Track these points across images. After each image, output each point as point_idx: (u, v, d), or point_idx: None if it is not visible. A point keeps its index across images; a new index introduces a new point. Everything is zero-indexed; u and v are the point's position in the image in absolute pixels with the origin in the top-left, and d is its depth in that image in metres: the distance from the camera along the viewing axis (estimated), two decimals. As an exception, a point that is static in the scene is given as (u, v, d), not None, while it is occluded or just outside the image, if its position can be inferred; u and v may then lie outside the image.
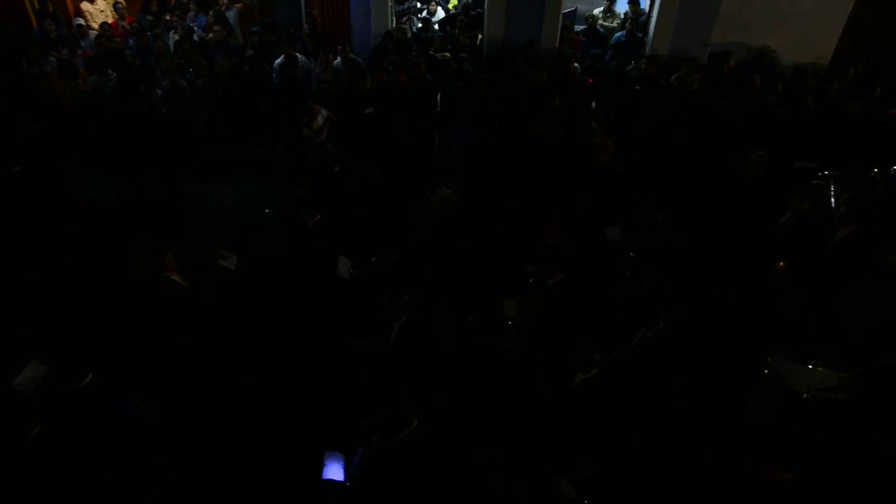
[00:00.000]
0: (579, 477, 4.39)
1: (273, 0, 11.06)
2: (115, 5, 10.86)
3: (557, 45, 10.19)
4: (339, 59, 9.41)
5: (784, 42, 10.26)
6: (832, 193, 6.73)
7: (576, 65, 9.43)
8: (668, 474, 5.14)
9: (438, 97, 9.12)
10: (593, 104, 8.20)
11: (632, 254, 6.07)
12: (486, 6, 10.27)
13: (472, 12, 11.10)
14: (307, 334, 6.31)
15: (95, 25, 10.69)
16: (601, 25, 11.14)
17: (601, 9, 11.43)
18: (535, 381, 4.96)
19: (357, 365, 5.48)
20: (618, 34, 10.54)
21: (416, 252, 6.56)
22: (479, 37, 10.62)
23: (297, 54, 9.37)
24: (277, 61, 9.29)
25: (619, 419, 5.23)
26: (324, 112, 8.06)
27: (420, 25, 11.13)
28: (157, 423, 4.74)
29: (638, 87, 8.84)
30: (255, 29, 10.14)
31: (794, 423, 4.44)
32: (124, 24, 10.70)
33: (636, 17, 10.79)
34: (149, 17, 11.00)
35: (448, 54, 9.70)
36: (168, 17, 11.10)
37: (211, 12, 10.94)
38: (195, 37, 10.39)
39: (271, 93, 9.09)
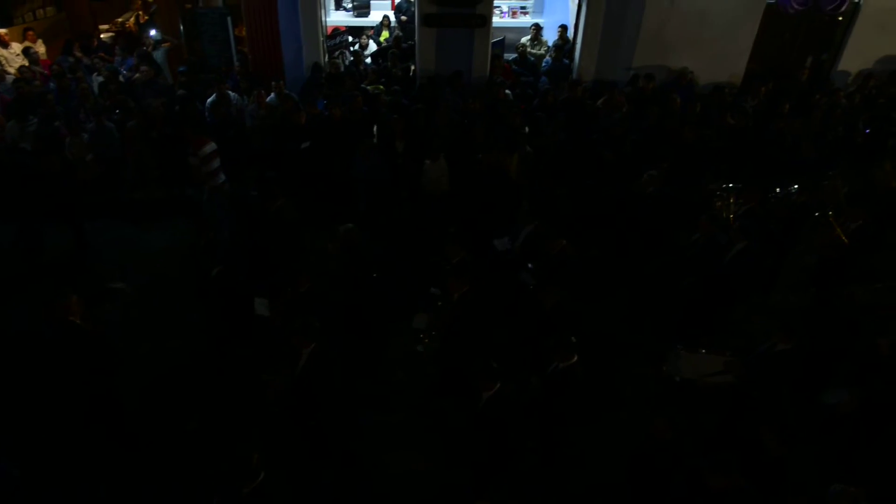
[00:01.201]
0: None
1: (201, 38, 10.93)
2: (25, 50, 10.46)
3: (489, 73, 10.48)
4: (272, 95, 9.37)
5: (700, 63, 10.89)
6: (732, 204, 7.08)
7: (507, 91, 9.71)
8: (590, 498, 5.19)
9: (374, 129, 9.18)
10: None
11: (530, 265, 6.21)
12: (416, 38, 10.48)
13: (404, 44, 11.28)
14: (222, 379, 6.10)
15: (12, 70, 10.28)
16: (530, 53, 11.52)
17: (529, 37, 11.83)
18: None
19: (266, 400, 5.36)
20: (545, 60, 10.94)
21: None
22: (412, 68, 10.80)
23: (230, 92, 9.28)
24: (210, 99, 9.16)
25: (536, 442, 5.29)
26: (213, 144, 7.82)
27: (352, 59, 11.21)
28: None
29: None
30: (182, 69, 9.99)
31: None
32: (39, 68, 10.31)
33: (563, 44, 11.23)
34: (70, 59, 10.67)
35: (381, 87, 9.81)
36: (91, 60, 10.79)
37: (136, 52, 10.71)
38: (121, 77, 10.14)
39: (205, 132, 8.92)
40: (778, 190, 7.31)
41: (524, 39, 11.76)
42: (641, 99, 9.79)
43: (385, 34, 12.45)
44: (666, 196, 7.28)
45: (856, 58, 11.32)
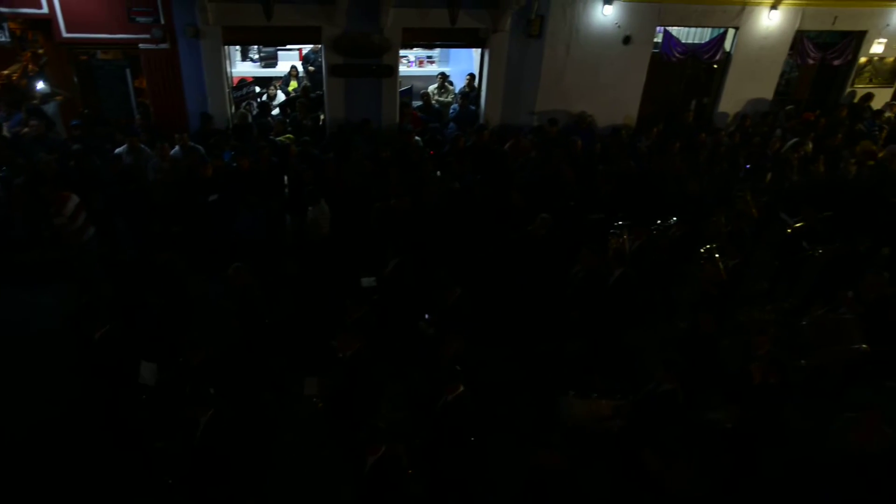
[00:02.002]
0: None
1: (98, 91, 10.52)
2: None
3: (398, 121, 10.68)
4: (176, 147, 9.10)
5: (598, 107, 11.61)
6: (626, 241, 7.38)
7: (417, 138, 9.92)
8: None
9: (285, 180, 9.09)
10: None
11: (427, 315, 6.25)
12: (325, 88, 10.56)
13: (313, 94, 11.32)
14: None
15: None
16: (436, 101, 11.85)
17: (435, 85, 12.19)
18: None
19: (160, 470, 5.11)
20: (453, 107, 11.28)
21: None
22: (322, 117, 10.84)
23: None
24: (119, 150, 8.81)
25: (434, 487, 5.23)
26: (75, 197, 7.51)
27: (258, 110, 11.12)
28: None
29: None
30: (74, 122, 9.54)
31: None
32: None
33: (469, 91, 11.66)
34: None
35: (291, 136, 9.77)
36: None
37: (25, 107, 10.13)
38: (6, 133, 9.54)
39: (103, 187, 8.52)
40: (658, 222, 7.70)
41: (432, 87, 12.11)
42: (546, 142, 10.26)
43: (293, 84, 12.47)
44: (557, 238, 7.41)
45: (732, 101, 12.45)
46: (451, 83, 12.46)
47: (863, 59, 12.78)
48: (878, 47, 12.66)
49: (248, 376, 6.13)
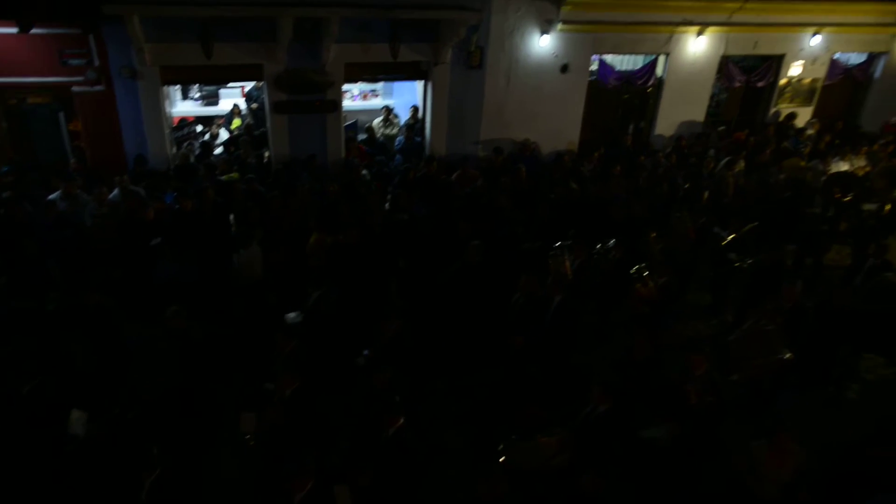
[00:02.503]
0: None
1: (30, 136, 10.15)
2: None
3: (344, 155, 10.68)
4: (115, 190, 8.84)
5: (541, 135, 11.91)
6: (567, 261, 7.45)
7: (364, 172, 9.93)
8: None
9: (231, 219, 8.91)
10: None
11: (365, 352, 6.19)
12: (269, 125, 10.49)
13: (256, 132, 11.23)
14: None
15: None
16: (382, 134, 11.93)
17: (380, 119, 12.28)
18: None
19: None
20: (398, 139, 11.37)
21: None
22: (266, 154, 10.74)
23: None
24: (52, 196, 8.48)
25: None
26: None
27: (200, 150, 10.94)
28: None
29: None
30: (5, 169, 9.17)
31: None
32: None
33: (414, 123, 11.79)
34: None
35: (236, 175, 9.63)
36: None
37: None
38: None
39: (37, 235, 8.17)
40: (599, 246, 7.85)
41: (376, 121, 12.19)
42: (492, 170, 10.43)
43: (236, 122, 12.35)
44: (493, 265, 7.43)
45: (667, 123, 12.98)
46: (396, 116, 12.58)
47: (783, 81, 13.56)
48: (795, 69, 13.49)
49: (189, 426, 5.93)
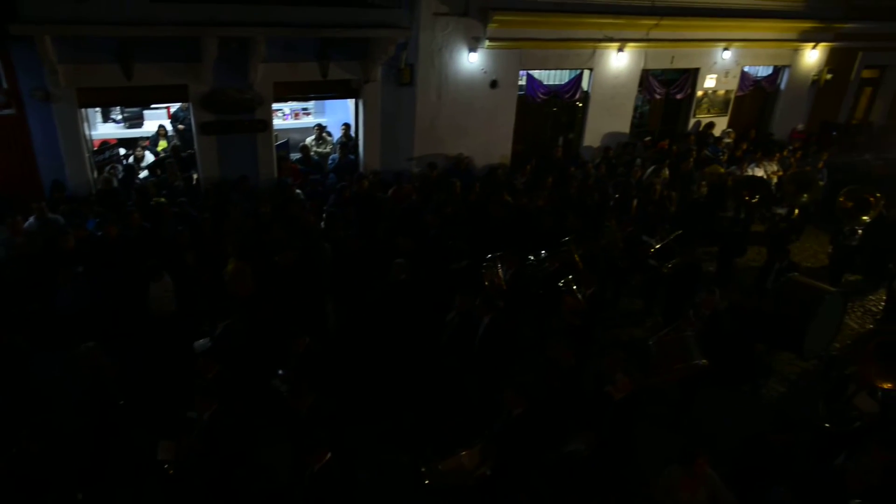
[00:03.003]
0: None
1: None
2: None
3: (276, 175, 10.50)
4: (31, 219, 8.36)
5: (474, 149, 12.09)
6: (500, 271, 7.47)
7: (297, 191, 9.79)
8: None
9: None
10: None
11: (280, 371, 6.08)
12: (196, 147, 10.20)
13: (183, 153, 10.89)
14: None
15: None
16: (316, 152, 11.81)
17: (313, 137, 12.16)
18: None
19: None
20: (332, 157, 11.28)
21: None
22: (195, 177, 10.43)
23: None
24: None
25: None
26: None
27: (124, 174, 10.52)
28: None
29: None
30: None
31: None
32: None
33: (347, 141, 11.73)
34: None
35: (163, 199, 9.29)
36: None
37: None
38: None
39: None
40: (532, 258, 7.95)
41: (309, 139, 12.06)
42: (428, 186, 10.49)
43: (163, 144, 11.93)
44: (415, 282, 7.38)
45: (594, 135, 13.45)
46: (329, 134, 12.50)
47: (700, 93, 14.32)
48: (710, 82, 14.29)
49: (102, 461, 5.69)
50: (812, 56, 15.31)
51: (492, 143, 12.34)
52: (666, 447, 5.79)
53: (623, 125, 13.70)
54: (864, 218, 9.89)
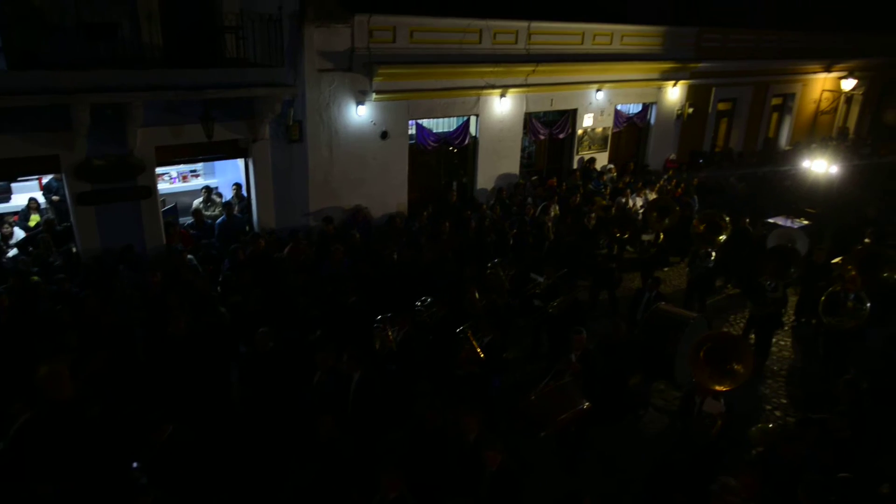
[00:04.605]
0: None
1: None
2: None
3: (165, 242, 10.04)
4: None
5: (371, 199, 12.18)
6: (391, 333, 7.16)
7: (189, 256, 9.39)
8: None
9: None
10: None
11: (134, 464, 5.70)
12: (73, 219, 9.58)
13: (58, 227, 10.19)
14: None
15: None
16: (206, 216, 11.40)
17: (200, 199, 11.76)
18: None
19: None
20: (220, 219, 10.93)
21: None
22: (74, 249, 9.76)
23: None
24: None
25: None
26: None
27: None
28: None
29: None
30: None
31: None
32: None
33: (238, 201, 11.43)
34: None
35: (37, 278, 8.60)
36: None
37: None
38: None
39: None
40: (419, 303, 7.75)
41: (196, 202, 11.66)
42: (326, 240, 10.39)
43: (35, 218, 11.11)
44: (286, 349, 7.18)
45: (486, 178, 13.95)
46: (220, 195, 12.16)
47: (580, 131, 15.27)
48: (588, 120, 15.29)
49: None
50: (674, 93, 16.79)
51: (387, 192, 12.48)
52: (558, 491, 5.72)
53: (513, 166, 14.30)
54: (720, 238, 10.21)
